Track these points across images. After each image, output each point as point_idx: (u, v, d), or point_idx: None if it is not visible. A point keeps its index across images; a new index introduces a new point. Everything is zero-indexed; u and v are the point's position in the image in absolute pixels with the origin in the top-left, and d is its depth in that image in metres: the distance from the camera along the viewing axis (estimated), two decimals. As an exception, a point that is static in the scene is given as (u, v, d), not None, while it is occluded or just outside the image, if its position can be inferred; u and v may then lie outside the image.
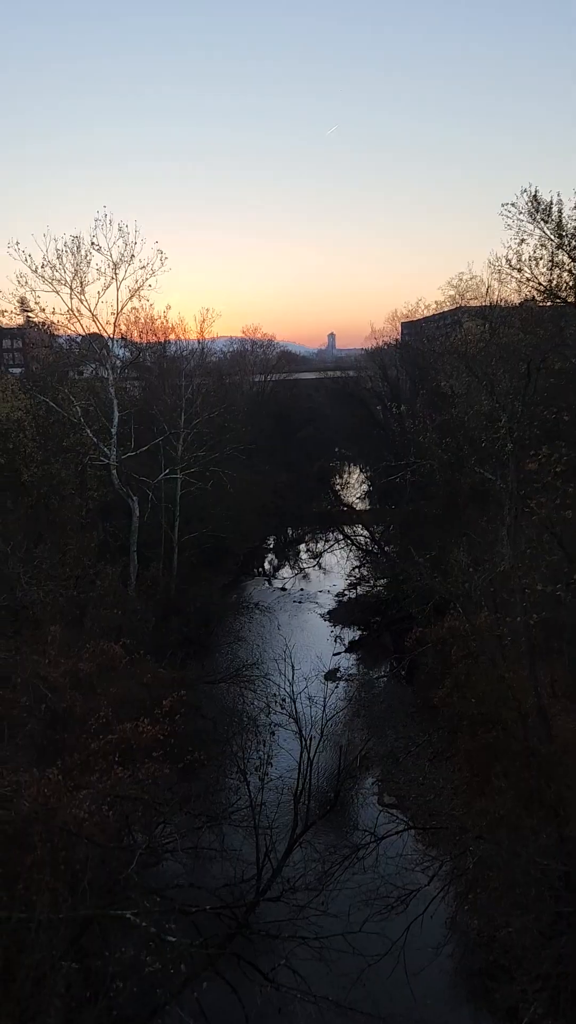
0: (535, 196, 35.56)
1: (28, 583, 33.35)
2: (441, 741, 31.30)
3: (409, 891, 23.50)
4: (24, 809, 18.33)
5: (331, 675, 40.66)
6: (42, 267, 43.79)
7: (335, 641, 47.78)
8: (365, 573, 56.87)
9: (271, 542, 79.74)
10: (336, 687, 37.19)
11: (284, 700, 29.81)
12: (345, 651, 46.38)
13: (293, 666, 31.22)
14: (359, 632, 49.63)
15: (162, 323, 69.48)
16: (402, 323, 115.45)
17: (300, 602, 56.54)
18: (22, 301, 49.38)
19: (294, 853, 23.86)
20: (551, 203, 35.50)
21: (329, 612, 53.55)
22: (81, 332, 50.42)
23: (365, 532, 61.66)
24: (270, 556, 75.87)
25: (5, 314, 50.54)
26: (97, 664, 30.11)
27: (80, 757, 22.77)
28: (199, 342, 77.56)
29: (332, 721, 28.99)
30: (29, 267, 43.71)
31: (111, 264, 44.71)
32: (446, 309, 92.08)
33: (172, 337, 75.14)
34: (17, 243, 43.31)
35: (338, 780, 26.78)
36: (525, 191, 35.40)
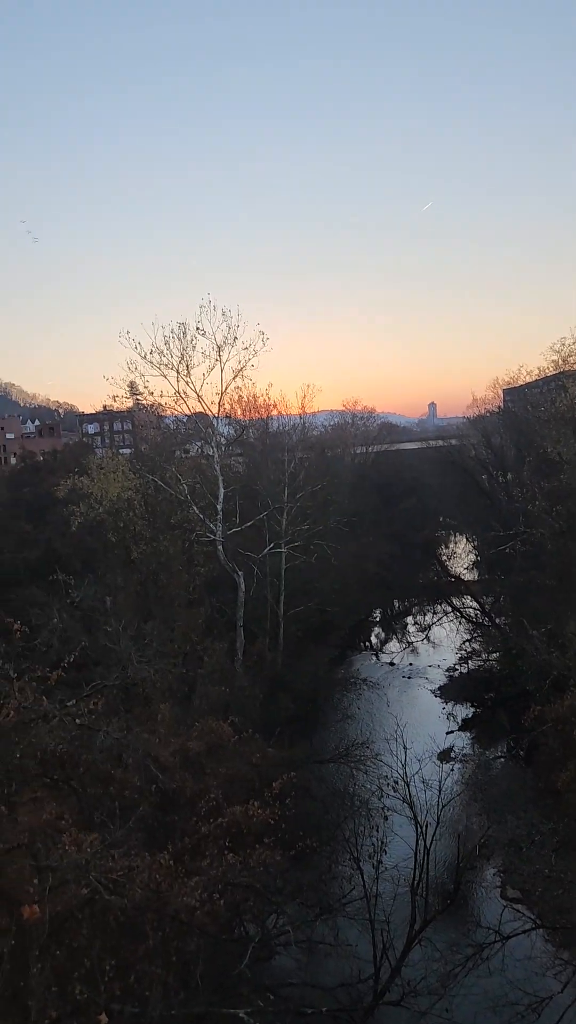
0: None
1: (139, 661, 33.77)
2: (567, 829, 29.13)
3: (540, 999, 21.61)
4: (136, 896, 17.98)
5: (445, 755, 38.95)
6: (151, 353, 45.95)
7: (447, 719, 45.95)
8: (476, 647, 54.84)
9: (377, 615, 78.45)
10: (451, 769, 35.52)
11: (397, 782, 28.67)
12: (458, 729, 44.48)
13: (405, 746, 30.11)
14: (472, 709, 47.62)
15: (264, 400, 71.16)
16: (504, 390, 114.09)
17: (409, 677, 55.00)
18: (132, 385, 51.68)
19: (413, 951, 22.51)
20: None
21: (440, 688, 51.74)
22: (187, 412, 52.29)
23: (474, 604, 59.77)
24: (377, 629, 74.53)
25: (116, 399, 53.14)
26: (206, 743, 29.84)
27: (191, 841, 22.36)
28: (300, 417, 78.96)
29: (448, 806, 27.58)
30: (139, 354, 45.95)
31: (215, 347, 46.42)
32: (549, 374, 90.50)
33: (274, 413, 76.75)
34: (128, 332, 45.68)
35: (457, 871, 25.27)
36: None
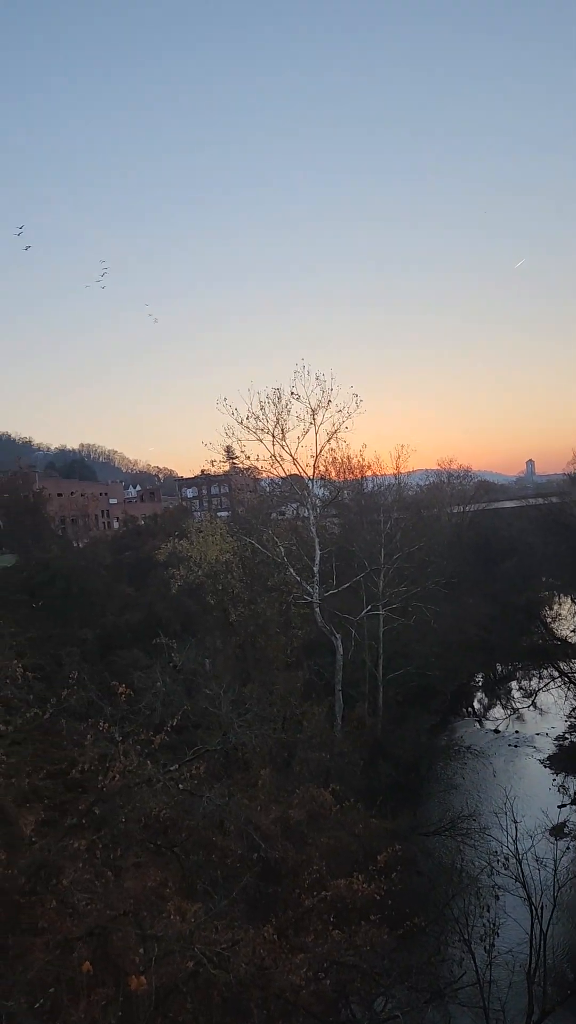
0: None
1: (239, 725, 33.65)
2: None
3: None
4: (241, 971, 17.52)
5: (558, 831, 36.78)
6: (247, 418, 46.99)
7: (559, 791, 43.56)
8: (587, 714, 52.22)
9: (479, 679, 75.89)
10: (567, 846, 33.45)
11: (507, 859, 27.22)
12: (572, 803, 42.03)
13: (515, 820, 28.66)
14: (587, 781, 45.06)
15: (359, 461, 71.38)
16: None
17: (516, 746, 52.66)
18: (228, 450, 52.80)
19: (532, 1045, 20.99)
20: None
21: (549, 757, 49.27)
22: (282, 474, 52.85)
23: (583, 668, 57.12)
24: (479, 694, 72.02)
25: (214, 463, 54.36)
26: (307, 811, 29.26)
27: (294, 915, 21.75)
28: (395, 477, 78.68)
29: (566, 887, 25.94)
30: (235, 419, 47.07)
31: (309, 410, 47.04)
32: None
33: (369, 474, 76.83)
34: (224, 399, 47.00)
35: (579, 959, 23.64)
36: None
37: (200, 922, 18.39)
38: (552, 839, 34.38)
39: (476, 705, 67.99)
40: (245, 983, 17.86)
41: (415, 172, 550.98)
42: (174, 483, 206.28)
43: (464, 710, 65.50)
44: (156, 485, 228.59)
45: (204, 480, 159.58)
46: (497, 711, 64.08)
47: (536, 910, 24.16)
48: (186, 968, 16.74)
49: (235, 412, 47.12)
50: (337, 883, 22.79)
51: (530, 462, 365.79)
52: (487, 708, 66.28)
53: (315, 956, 19.36)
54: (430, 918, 25.07)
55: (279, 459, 48.74)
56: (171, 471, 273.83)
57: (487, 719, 61.62)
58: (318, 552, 48.67)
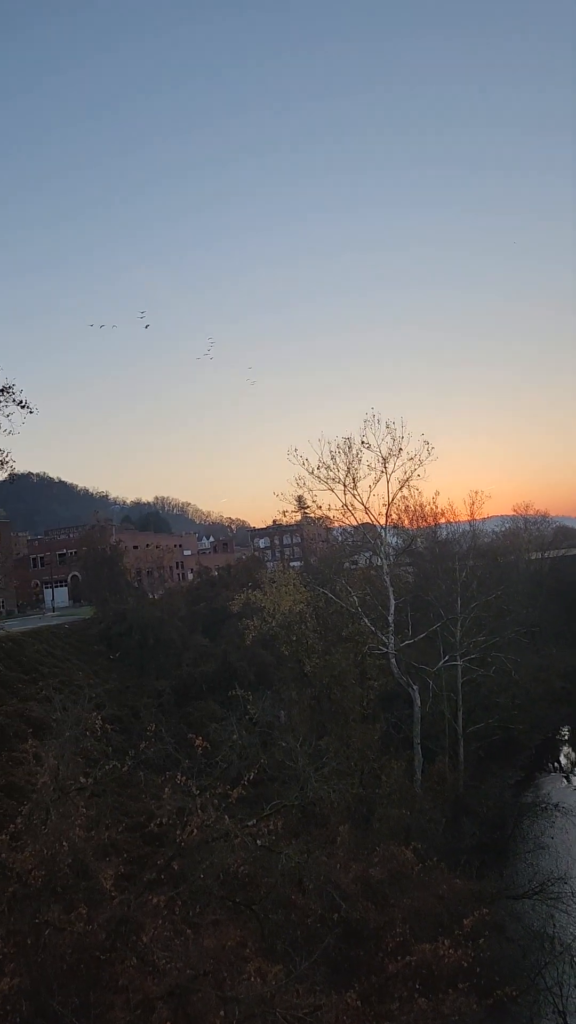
0: None
1: (316, 780, 33.06)
2: None
3: None
4: (323, 1039, 16.92)
5: None
6: (318, 468, 47.18)
7: None
8: None
9: (565, 733, 72.88)
10: None
11: (603, 926, 25.71)
12: None
13: (610, 883, 27.10)
14: None
15: (432, 508, 70.83)
16: None
17: (607, 804, 50.02)
18: (300, 500, 53.09)
19: None
20: None
21: None
22: (354, 523, 52.66)
23: None
24: (566, 749, 69.04)
25: (285, 513, 54.71)
26: (388, 870, 28.34)
27: (377, 980, 20.93)
28: (470, 524, 77.69)
29: None
30: (306, 470, 47.31)
31: (380, 459, 46.95)
32: None
33: (443, 521, 76.05)
34: (296, 450, 47.37)
35: None
36: None
37: (281, 985, 17.88)
38: None
39: (563, 760, 65.17)
40: (328, 1052, 17.22)
41: (485, 201, 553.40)
42: (246, 534, 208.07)
43: (550, 765, 62.87)
44: (229, 536, 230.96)
45: (276, 530, 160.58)
46: (585, 767, 61.26)
47: None
48: (267, 1033, 16.25)
49: (306, 462, 47.47)
50: (422, 947, 21.92)
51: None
52: (574, 764, 63.44)
53: (401, 1025, 18.54)
54: (521, 988, 23.71)
55: (351, 508, 48.71)
56: (243, 522, 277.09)
57: (575, 775, 58.90)
58: (392, 601, 48.04)
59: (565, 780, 57.57)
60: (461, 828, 39.72)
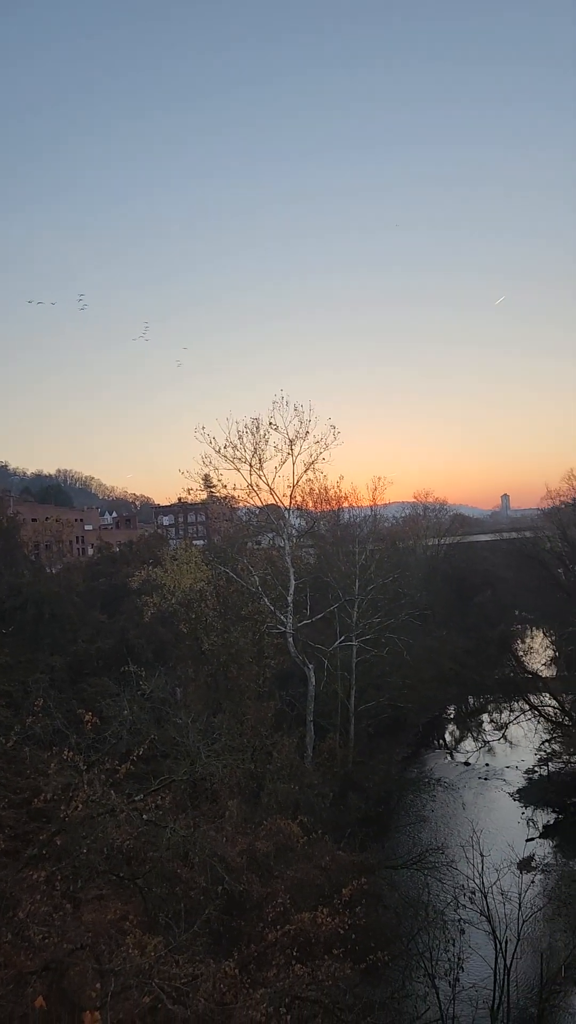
0: None
1: (208, 755, 33.43)
2: None
3: None
4: (200, 1007, 17.27)
5: (525, 864, 36.75)
6: (225, 447, 47.20)
7: (527, 825, 43.51)
8: (557, 748, 52.30)
9: (451, 712, 75.93)
10: (532, 880, 33.31)
11: (474, 893, 27.19)
12: (540, 836, 42.02)
13: (482, 853, 28.63)
14: (554, 815, 45.07)
15: (335, 492, 72.01)
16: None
17: (486, 779, 52.58)
18: (206, 478, 52.95)
19: None
20: None
21: (519, 791, 49.25)
22: (259, 504, 53.03)
23: (553, 702, 57.25)
24: (451, 727, 72.03)
25: (191, 491, 54.49)
26: (274, 843, 29.06)
27: (257, 949, 21.48)
28: (372, 509, 79.40)
29: (530, 921, 25.88)
30: (213, 448, 47.26)
31: (287, 441, 47.44)
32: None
33: (345, 505, 77.47)
34: (203, 428, 47.23)
35: (541, 994, 23.56)
36: None
37: (160, 956, 18.14)
38: (518, 873, 34.31)
39: (448, 737, 67.98)
40: (204, 1019, 17.59)
41: (400, 208, 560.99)
42: (151, 510, 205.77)
43: (436, 742, 65.44)
44: (133, 512, 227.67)
45: (181, 508, 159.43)
46: (468, 744, 64.09)
47: (500, 944, 24.10)
48: (144, 1003, 16.49)
49: (213, 441, 47.40)
50: (301, 917, 22.60)
51: (505, 496, 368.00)
52: (458, 741, 66.29)
53: (277, 991, 19.08)
54: (395, 953, 24.78)
55: (256, 488, 49.03)
56: (148, 498, 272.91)
57: (458, 752, 61.55)
58: (293, 582, 48.75)
59: (448, 757, 60.06)
60: (348, 802, 41.02)
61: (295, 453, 47.72)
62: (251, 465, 47.84)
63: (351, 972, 21.32)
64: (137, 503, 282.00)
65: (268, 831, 30.23)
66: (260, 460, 47.84)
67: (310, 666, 46.97)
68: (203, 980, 18.59)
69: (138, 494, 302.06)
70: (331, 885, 26.44)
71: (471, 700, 78.97)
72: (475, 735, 66.57)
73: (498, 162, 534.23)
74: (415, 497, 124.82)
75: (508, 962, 23.62)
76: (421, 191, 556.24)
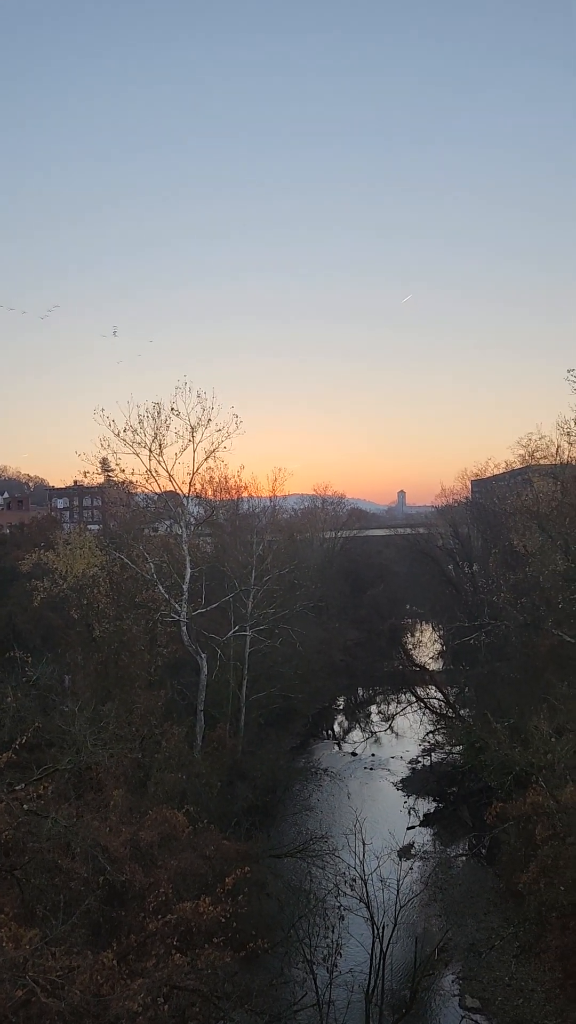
0: (601, 362, 36.35)
1: (94, 744, 32.79)
2: (528, 934, 28.39)
3: None
4: (75, 999, 16.95)
5: (405, 852, 37.91)
6: (124, 431, 46.22)
7: (409, 813, 44.86)
8: (440, 739, 54.10)
9: (341, 703, 77.39)
10: (410, 867, 34.49)
11: (354, 881, 27.80)
12: (420, 825, 43.37)
13: (364, 842, 29.29)
14: (435, 804, 46.62)
15: (235, 481, 71.82)
16: (472, 481, 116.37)
17: (371, 768, 53.88)
18: (103, 462, 51.79)
19: (366, 1065, 21.36)
20: (618, 369, 36.20)
21: (402, 780, 50.72)
22: (158, 490, 52.25)
23: (439, 694, 59.27)
24: (340, 718, 73.39)
25: (87, 474, 53.10)
26: (159, 833, 28.82)
27: (137, 939, 21.25)
28: (271, 500, 79.56)
29: (407, 907, 26.68)
30: (112, 431, 46.19)
31: (189, 428, 46.84)
32: (516, 467, 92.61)
33: (245, 495, 77.35)
34: (102, 409, 46.07)
35: (414, 977, 24.34)
36: (590, 358, 36.30)
37: (36, 948, 17.72)
38: (398, 860, 35.38)
39: (336, 728, 69.21)
40: (79, 1011, 17.28)
41: (315, 209, 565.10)
42: (45, 492, 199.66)
43: (324, 733, 66.52)
44: (25, 493, 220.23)
45: (76, 491, 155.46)
46: (356, 734, 65.46)
47: (378, 930, 24.73)
48: (17, 997, 16.06)
49: (112, 424, 46.30)
50: (183, 906, 22.51)
51: (401, 493, 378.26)
52: (347, 731, 67.62)
53: (155, 981, 18.94)
54: (275, 940, 25.13)
55: (155, 474, 48.22)
56: (42, 480, 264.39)
57: (346, 742, 62.78)
58: (189, 570, 48.35)
59: (337, 747, 61.17)
60: (235, 792, 41.18)
61: (196, 440, 47.24)
62: (151, 450, 47.05)
63: (231, 960, 21.43)
64: (30, 484, 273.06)
65: (153, 821, 29.97)
66: (160, 446, 47.10)
67: (203, 655, 46.80)
68: (79, 972, 18.28)
69: (32, 475, 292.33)
70: (215, 874, 26.47)
71: (360, 691, 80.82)
72: (363, 726, 68.12)
73: (410, 162, 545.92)
74: (314, 490, 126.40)
75: (385, 947, 24.26)
76: (333, 186, 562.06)
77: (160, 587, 47.22)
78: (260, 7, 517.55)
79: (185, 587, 47.89)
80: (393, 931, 24.93)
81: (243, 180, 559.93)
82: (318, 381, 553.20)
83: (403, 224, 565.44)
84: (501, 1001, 24.30)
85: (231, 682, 49.85)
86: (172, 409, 46.67)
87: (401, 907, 25.73)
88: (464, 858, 39.78)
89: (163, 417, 46.62)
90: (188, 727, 43.79)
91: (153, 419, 46.57)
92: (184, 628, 47.03)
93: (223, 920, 22.25)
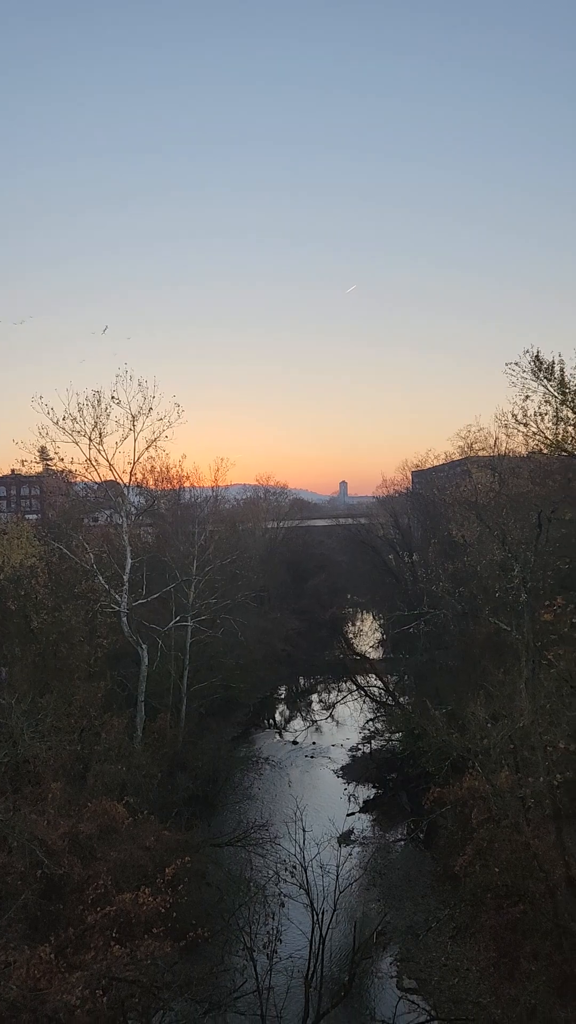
0: (537, 356, 37.21)
1: (31, 737, 32.28)
2: (464, 915, 28.94)
3: None
4: (12, 994, 16.76)
5: (344, 838, 38.33)
6: (63, 419, 45.43)
7: (348, 800, 45.34)
8: (379, 726, 54.82)
9: (283, 692, 77.69)
10: (350, 852, 34.87)
11: (294, 867, 27.97)
12: (359, 811, 43.88)
13: (304, 829, 29.55)
14: (374, 790, 47.23)
15: (177, 471, 71.47)
16: (412, 472, 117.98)
17: (312, 756, 54.26)
18: (42, 450, 50.78)
19: (305, 1048, 21.60)
20: (553, 363, 37.10)
21: (342, 768, 51.23)
22: (98, 480, 51.56)
23: (379, 682, 60.02)
24: (281, 707, 73.67)
25: (25, 463, 52.02)
26: (98, 825, 28.57)
27: (75, 932, 21.11)
28: (213, 490, 79.41)
29: (346, 892, 27.02)
30: (51, 419, 45.36)
31: (129, 416, 46.35)
32: (455, 459, 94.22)
33: (187, 485, 77.02)
34: (41, 397, 45.18)
35: (353, 961, 24.67)
36: (527, 351, 37.09)
37: (-29, 945, 17.44)
38: (338, 846, 35.75)
39: (277, 717, 69.47)
40: (16, 1006, 17.11)
41: (249, 189, 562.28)
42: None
43: (266, 722, 66.71)
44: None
45: (13, 480, 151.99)
46: (297, 723, 65.85)
47: (317, 915, 24.96)
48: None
49: (51, 412, 45.45)
50: (122, 897, 22.44)
51: (343, 483, 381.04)
52: (288, 720, 67.94)
53: (93, 974, 18.86)
54: (215, 928, 25.19)
55: (95, 463, 47.52)
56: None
57: (287, 731, 63.10)
58: (129, 560, 47.87)
59: (278, 736, 61.45)
60: (176, 782, 41.04)
61: (137, 429, 46.76)
62: (91, 439, 46.36)
63: (171, 950, 21.46)
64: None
65: (93, 813, 29.71)
66: (100, 434, 46.44)
67: (143, 646, 46.42)
68: (16, 967, 18.10)
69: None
70: (155, 865, 26.40)
71: (302, 680, 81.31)
72: (304, 714, 68.55)
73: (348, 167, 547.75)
74: (257, 480, 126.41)
75: (324, 932, 24.51)
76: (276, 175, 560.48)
77: (100, 577, 46.63)
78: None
79: (125, 577, 47.41)
80: (332, 916, 25.19)
81: (176, 184, 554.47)
82: (260, 371, 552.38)
83: (349, 219, 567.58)
84: (437, 981, 24.70)
85: (172, 673, 49.58)
86: (113, 398, 46.11)
87: (340, 892, 26.04)
88: (402, 843, 40.42)
89: (103, 406, 46.05)
90: (128, 718, 43.45)
91: (93, 407, 45.94)
92: (124, 619, 46.57)
93: (163, 910, 22.27)
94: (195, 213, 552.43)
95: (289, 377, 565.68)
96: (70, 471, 52.88)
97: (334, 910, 25.35)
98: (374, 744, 53.74)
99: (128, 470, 48.87)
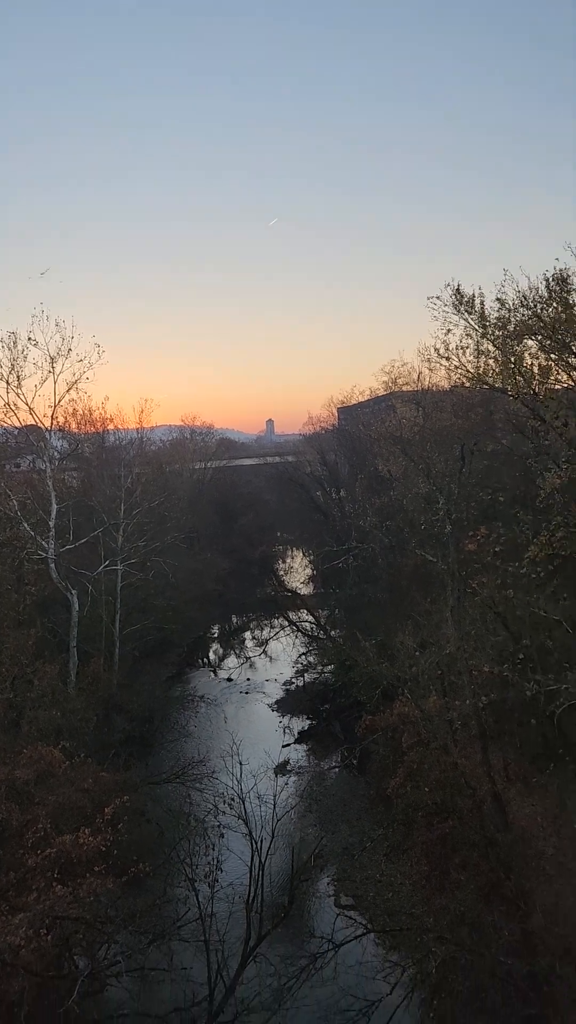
0: (458, 290, 37.25)
1: (-40, 687, 31.80)
2: (397, 834, 30.32)
3: (371, 1002, 22.28)
4: (-47, 940, 16.88)
5: (281, 769, 39.40)
6: (-24, 362, 43.57)
7: (284, 732, 46.51)
8: (312, 660, 55.99)
9: (215, 631, 78.39)
10: (286, 782, 35.95)
11: (232, 800, 28.67)
12: (295, 742, 45.12)
13: (241, 762, 30.17)
14: (308, 721, 48.52)
15: (100, 414, 69.82)
16: (338, 408, 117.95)
17: (247, 692, 55.23)
18: (-43, 395, 48.59)
19: (248, 968, 22.51)
20: (473, 296, 37.20)
21: (277, 702, 52.34)
22: (18, 425, 49.93)
23: (310, 617, 61.06)
24: (215, 646, 74.47)
25: None
26: (35, 770, 28.50)
27: (16, 876, 21.27)
28: (138, 431, 77.99)
29: (283, 820, 27.90)
30: (-36, 362, 43.45)
31: (48, 358, 44.68)
32: (380, 394, 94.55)
33: (111, 427, 75.39)
34: (-46, 340, 43.13)
35: (291, 884, 25.62)
36: (448, 285, 37.12)
37: None
38: (274, 777, 36.74)
39: (211, 656, 70.27)
40: (-41, 952, 17.25)
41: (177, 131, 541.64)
42: None
43: (200, 661, 67.43)
44: None
45: None
46: (231, 661, 66.78)
47: (256, 844, 25.74)
48: None
49: (-37, 355, 43.48)
50: (62, 839, 22.60)
51: (270, 421, 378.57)
52: (222, 658, 68.81)
53: (36, 914, 19.11)
54: (157, 863, 25.75)
55: (14, 408, 45.84)
56: None
57: (221, 669, 63.95)
58: (55, 506, 46.85)
59: (212, 674, 62.25)
60: (112, 724, 41.27)
61: (56, 371, 45.19)
62: (8, 382, 44.59)
63: (113, 886, 21.86)
64: None
65: (28, 759, 29.58)
66: (18, 377, 44.71)
67: (73, 592, 45.92)
68: (-43, 914, 18.14)
69: None
70: (94, 805, 26.60)
71: (234, 619, 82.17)
72: (238, 652, 69.50)
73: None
74: (182, 420, 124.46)
75: (263, 859, 25.32)
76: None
77: (25, 524, 45.55)
78: None
79: (51, 523, 46.47)
80: (271, 843, 26.00)
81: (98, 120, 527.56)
82: (183, 309, 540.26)
83: (270, 151, 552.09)
84: (373, 896, 25.94)
85: (104, 617, 49.33)
86: (29, 339, 44.34)
87: (278, 820, 26.87)
88: (337, 770, 41.83)
89: (20, 347, 44.25)
90: (61, 664, 43.15)
91: (9, 349, 44.12)
92: (52, 565, 45.84)
93: (103, 849, 22.56)
94: (117, 147, 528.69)
95: (213, 314, 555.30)
96: (-13, 416, 50.98)
97: (272, 837, 26.14)
98: (307, 677, 54.94)
99: (49, 414, 47.48)
